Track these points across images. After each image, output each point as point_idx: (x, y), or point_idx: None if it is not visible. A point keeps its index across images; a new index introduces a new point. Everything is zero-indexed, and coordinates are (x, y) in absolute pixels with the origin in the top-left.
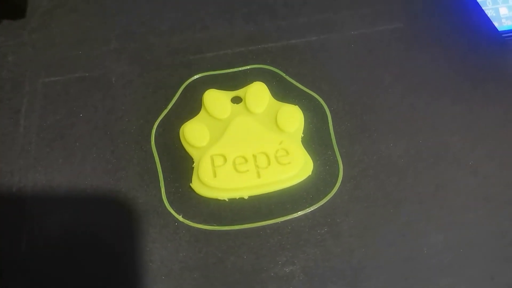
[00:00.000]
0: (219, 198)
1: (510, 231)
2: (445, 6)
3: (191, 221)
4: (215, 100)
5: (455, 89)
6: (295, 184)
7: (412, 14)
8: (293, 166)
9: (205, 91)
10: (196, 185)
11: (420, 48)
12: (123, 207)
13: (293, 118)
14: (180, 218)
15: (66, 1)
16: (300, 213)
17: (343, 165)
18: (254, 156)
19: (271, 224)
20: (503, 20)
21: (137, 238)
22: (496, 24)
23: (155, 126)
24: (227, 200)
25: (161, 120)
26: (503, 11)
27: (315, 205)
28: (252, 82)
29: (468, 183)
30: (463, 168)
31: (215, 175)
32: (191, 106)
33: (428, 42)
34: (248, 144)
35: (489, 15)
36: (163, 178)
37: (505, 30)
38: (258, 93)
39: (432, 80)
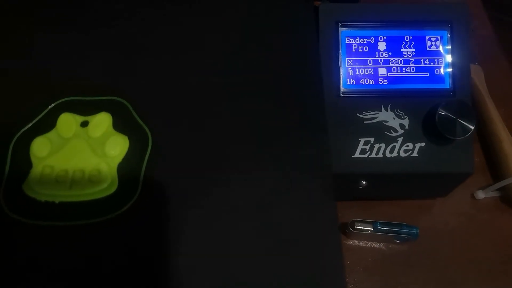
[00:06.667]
0: (37, 199)
1: None
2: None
3: (13, 212)
4: (65, 122)
5: None
6: (99, 198)
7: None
8: (99, 184)
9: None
10: (25, 186)
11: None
12: None
13: (117, 146)
14: (6, 209)
15: None
16: (92, 220)
17: (141, 189)
18: (74, 172)
19: (73, 225)
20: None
21: None
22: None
23: (17, 134)
24: (43, 201)
25: (25, 130)
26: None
27: (106, 216)
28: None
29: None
30: None
31: (40, 181)
32: (52, 123)
33: None
34: (74, 161)
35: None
36: (7, 176)
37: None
38: (101, 121)
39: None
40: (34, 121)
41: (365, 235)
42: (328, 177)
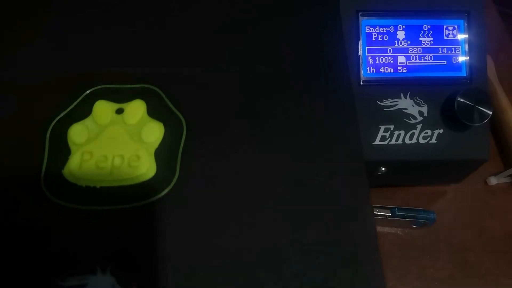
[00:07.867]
0: (78, 184)
1: None
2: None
3: (55, 198)
4: (101, 109)
5: None
6: (139, 183)
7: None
8: (138, 169)
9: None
10: (65, 172)
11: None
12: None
13: (153, 132)
14: (48, 194)
15: None
16: (134, 204)
17: (179, 174)
18: (113, 157)
19: (115, 209)
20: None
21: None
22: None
23: (53, 122)
24: (84, 186)
25: (60, 118)
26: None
27: (147, 200)
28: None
29: None
30: None
31: (80, 167)
32: (87, 110)
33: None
34: (112, 147)
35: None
36: (47, 163)
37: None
38: (135, 108)
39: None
40: (69, 109)
41: (383, 221)
42: (361, 164)
